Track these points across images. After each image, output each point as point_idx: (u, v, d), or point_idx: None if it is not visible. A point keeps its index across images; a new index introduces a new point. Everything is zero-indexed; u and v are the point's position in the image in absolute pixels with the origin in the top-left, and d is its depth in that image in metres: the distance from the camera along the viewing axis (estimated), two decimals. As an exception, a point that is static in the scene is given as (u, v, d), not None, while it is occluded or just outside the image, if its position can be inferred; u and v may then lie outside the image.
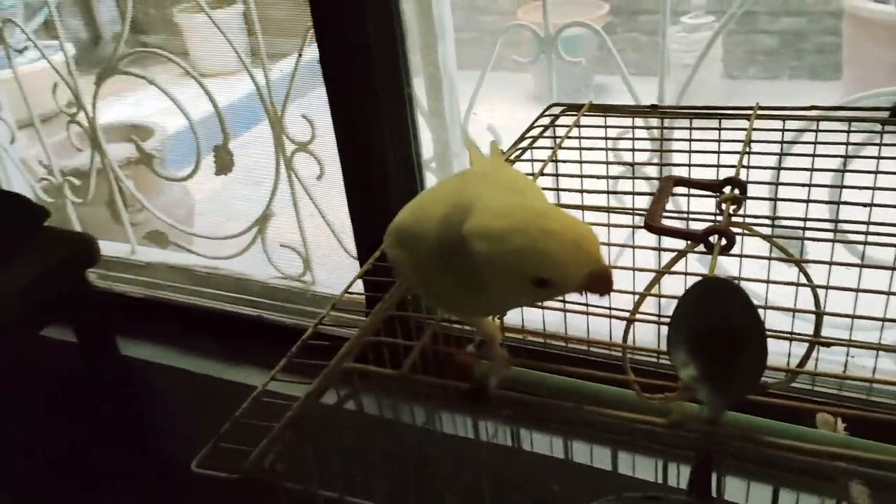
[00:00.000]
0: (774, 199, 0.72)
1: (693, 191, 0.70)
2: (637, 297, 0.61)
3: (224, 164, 1.30)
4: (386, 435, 0.59)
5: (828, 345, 0.53)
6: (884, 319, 0.57)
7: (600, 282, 0.41)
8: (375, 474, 0.61)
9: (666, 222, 0.62)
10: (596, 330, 0.77)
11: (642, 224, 0.60)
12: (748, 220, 0.67)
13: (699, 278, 0.50)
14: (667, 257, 0.64)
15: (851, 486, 0.51)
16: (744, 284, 0.89)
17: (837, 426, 0.69)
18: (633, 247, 0.67)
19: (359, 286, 0.71)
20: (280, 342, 0.64)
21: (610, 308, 0.70)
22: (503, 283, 0.42)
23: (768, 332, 0.42)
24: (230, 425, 0.62)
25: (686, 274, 0.71)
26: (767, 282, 0.65)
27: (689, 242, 0.60)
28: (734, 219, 0.65)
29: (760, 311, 0.43)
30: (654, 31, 3.28)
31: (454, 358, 0.61)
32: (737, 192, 0.62)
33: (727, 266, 0.89)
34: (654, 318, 0.63)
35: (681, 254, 0.62)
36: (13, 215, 1.13)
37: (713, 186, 0.63)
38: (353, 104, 1.08)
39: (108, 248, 1.47)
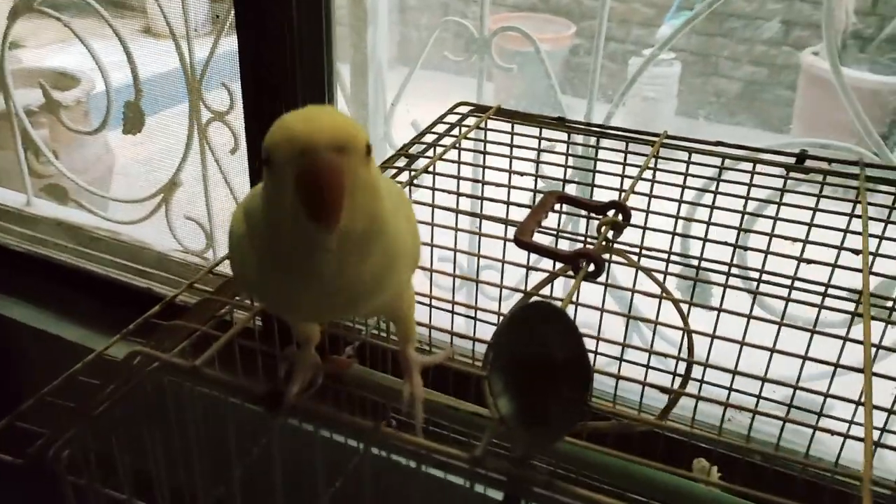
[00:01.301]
0: (674, 234, 0.69)
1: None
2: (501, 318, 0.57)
3: (133, 122, 1.23)
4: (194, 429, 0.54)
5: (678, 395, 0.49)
6: (734, 371, 0.54)
7: (304, 180, 0.37)
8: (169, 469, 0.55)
9: (543, 239, 0.58)
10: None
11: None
12: (643, 250, 0.63)
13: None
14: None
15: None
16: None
17: (712, 472, 0.66)
18: (503, 261, 0.63)
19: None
20: (165, 318, 0.59)
21: (476, 319, 0.66)
22: None
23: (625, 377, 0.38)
24: (35, 403, 0.56)
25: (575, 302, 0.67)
26: (620, 315, 0.61)
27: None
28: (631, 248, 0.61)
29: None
30: (620, 59, 3.28)
31: (328, 361, 0.56)
32: (620, 217, 0.58)
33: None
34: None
35: (551, 276, 0.57)
36: None
37: (597, 208, 0.59)
38: (266, 79, 1.02)
39: (1, 195, 1.37)
